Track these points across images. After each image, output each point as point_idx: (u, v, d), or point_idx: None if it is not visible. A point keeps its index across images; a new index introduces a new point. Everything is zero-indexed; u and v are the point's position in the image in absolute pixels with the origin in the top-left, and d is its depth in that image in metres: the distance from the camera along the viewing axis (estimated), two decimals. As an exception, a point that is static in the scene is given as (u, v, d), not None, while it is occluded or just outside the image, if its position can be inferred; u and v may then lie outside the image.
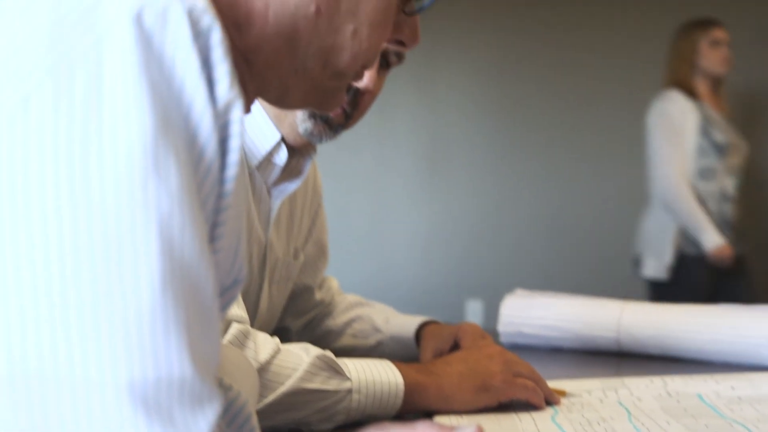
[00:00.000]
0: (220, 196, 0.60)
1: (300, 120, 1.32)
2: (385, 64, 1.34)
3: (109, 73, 0.54)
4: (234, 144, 0.60)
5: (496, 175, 5.18)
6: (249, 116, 1.31)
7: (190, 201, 0.55)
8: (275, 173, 1.36)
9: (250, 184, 1.33)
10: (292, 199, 1.49)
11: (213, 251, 0.61)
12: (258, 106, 1.32)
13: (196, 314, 0.55)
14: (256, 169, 1.34)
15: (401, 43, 0.84)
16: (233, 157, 0.60)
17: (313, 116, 1.32)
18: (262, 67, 0.74)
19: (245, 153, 1.31)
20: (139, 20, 0.56)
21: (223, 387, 0.68)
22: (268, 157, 1.34)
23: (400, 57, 1.34)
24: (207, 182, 0.58)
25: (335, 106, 0.81)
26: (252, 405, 0.74)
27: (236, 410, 0.69)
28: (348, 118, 1.34)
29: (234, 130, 0.59)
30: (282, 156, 1.34)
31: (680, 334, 1.62)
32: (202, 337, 0.55)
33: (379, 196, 5.19)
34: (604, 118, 5.12)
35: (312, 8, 0.72)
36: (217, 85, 0.58)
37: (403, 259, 5.20)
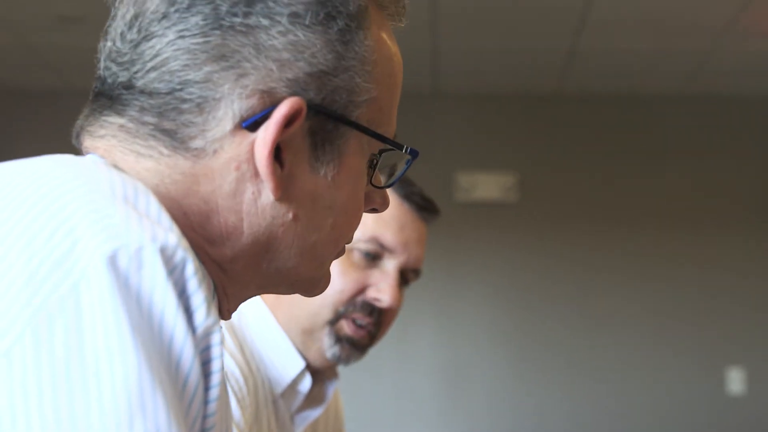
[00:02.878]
0: (205, 416, 0.61)
1: (327, 346, 1.35)
2: (404, 281, 1.40)
3: (88, 319, 0.56)
4: (215, 366, 0.62)
5: (516, 399, 5.13)
6: (273, 346, 1.35)
7: (179, 430, 0.56)
8: (299, 400, 1.37)
9: (274, 412, 1.35)
10: (315, 425, 1.50)
11: None
12: (282, 334, 1.36)
13: None
14: (280, 397, 1.36)
15: (374, 210, 0.85)
16: (215, 378, 0.62)
17: (339, 341, 1.35)
18: (241, 272, 0.75)
19: (270, 381, 1.34)
20: (113, 263, 0.57)
21: None
22: (293, 385, 1.36)
23: (417, 273, 1.42)
24: (193, 405, 0.60)
25: (322, 289, 0.83)
26: None
27: None
28: (373, 338, 1.39)
29: (215, 353, 0.61)
30: (306, 383, 1.36)
31: None
32: None
33: (399, 420, 5.13)
34: (622, 338, 5.12)
35: (290, 216, 0.74)
36: (194, 314, 0.60)
37: (423, 485, 5.08)
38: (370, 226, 1.36)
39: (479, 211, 5.19)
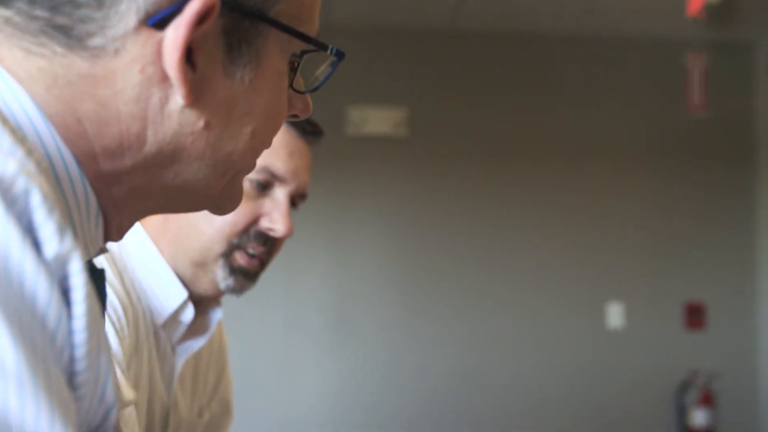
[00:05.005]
0: (73, 346, 0.57)
1: (221, 278, 1.34)
2: (292, 205, 1.40)
3: None
4: (77, 296, 0.56)
5: (405, 333, 5.20)
6: (154, 275, 1.32)
7: (34, 372, 0.52)
8: (180, 331, 1.36)
9: (155, 343, 1.33)
10: (197, 356, 1.49)
11: (76, 399, 0.58)
12: (165, 264, 1.33)
13: None
14: (162, 328, 1.34)
15: (294, 116, 0.78)
16: (79, 308, 0.56)
17: (233, 272, 1.34)
18: (141, 184, 0.69)
19: (151, 312, 1.32)
20: None
21: None
22: (175, 316, 1.34)
23: (304, 197, 1.42)
24: (58, 336, 0.55)
25: (234, 207, 0.76)
26: None
27: None
28: (263, 265, 1.38)
29: (75, 282, 0.56)
30: (188, 314, 1.35)
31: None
32: None
33: (287, 353, 5.15)
34: (506, 274, 5.23)
35: (200, 124, 0.67)
36: (44, 246, 0.54)
37: (310, 417, 5.13)
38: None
39: (370, 145, 5.19)
